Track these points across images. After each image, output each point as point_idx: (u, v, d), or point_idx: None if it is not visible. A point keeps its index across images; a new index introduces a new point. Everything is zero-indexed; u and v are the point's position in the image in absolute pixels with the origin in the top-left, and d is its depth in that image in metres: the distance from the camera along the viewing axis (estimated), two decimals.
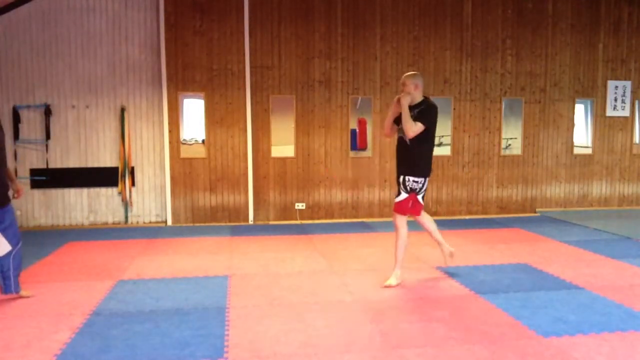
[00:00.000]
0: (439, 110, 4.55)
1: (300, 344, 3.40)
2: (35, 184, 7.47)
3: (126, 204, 7.71)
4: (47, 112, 7.38)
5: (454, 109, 8.25)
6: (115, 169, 7.63)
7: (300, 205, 8.01)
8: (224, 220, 7.86)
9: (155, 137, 7.73)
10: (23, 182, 7.27)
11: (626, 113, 8.83)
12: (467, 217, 8.35)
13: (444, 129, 8.12)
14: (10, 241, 4.16)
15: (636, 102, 8.88)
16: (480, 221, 7.98)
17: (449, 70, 8.21)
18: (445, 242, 4.96)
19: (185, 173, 7.72)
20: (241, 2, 7.60)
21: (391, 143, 8.13)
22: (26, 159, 7.43)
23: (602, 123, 8.80)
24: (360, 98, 8.39)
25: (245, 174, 7.82)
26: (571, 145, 8.73)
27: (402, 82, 4.52)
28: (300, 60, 7.83)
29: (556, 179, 8.72)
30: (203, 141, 7.91)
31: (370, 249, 6.08)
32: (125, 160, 7.58)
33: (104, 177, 7.63)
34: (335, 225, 7.68)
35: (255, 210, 7.92)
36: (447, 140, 8.44)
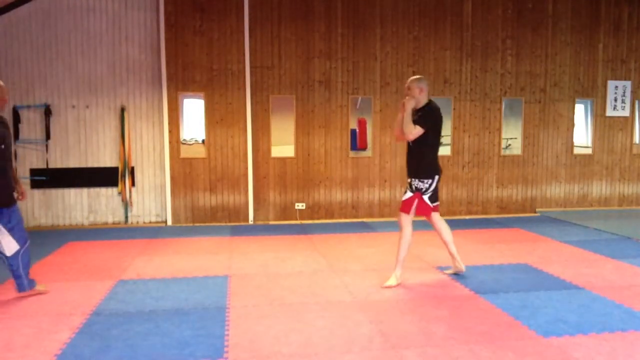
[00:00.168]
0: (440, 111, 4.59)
1: (300, 344, 3.40)
2: (35, 184, 7.47)
3: (126, 204, 7.71)
4: (47, 112, 7.38)
5: (454, 109, 8.25)
6: (115, 169, 7.64)
7: (300, 205, 8.01)
8: (224, 220, 7.86)
9: (155, 137, 7.73)
10: (23, 182, 7.26)
11: (626, 113, 8.83)
12: (467, 217, 8.35)
13: (444, 129, 8.07)
14: (18, 240, 4.20)
15: (636, 102, 8.88)
16: (480, 221, 7.98)
17: (449, 70, 8.21)
18: (459, 259, 4.90)
19: (185, 173, 7.72)
20: (241, 2, 7.60)
21: (391, 143, 8.14)
22: (26, 159, 7.44)
23: (602, 123, 8.81)
24: (360, 98, 8.39)
25: (245, 174, 7.83)
26: (571, 145, 8.73)
27: (407, 86, 4.58)
28: (300, 60, 7.83)
29: (556, 179, 8.72)
30: (203, 141, 7.91)
31: (370, 249, 6.07)
32: (125, 160, 7.58)
33: (104, 177, 7.63)
34: (335, 225, 7.68)
35: (255, 210, 7.92)
36: (447, 140, 8.44)
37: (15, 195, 4.35)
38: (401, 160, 8.20)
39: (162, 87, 7.54)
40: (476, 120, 8.37)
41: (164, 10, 7.44)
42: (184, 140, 8.22)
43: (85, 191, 7.65)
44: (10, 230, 4.16)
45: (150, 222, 7.82)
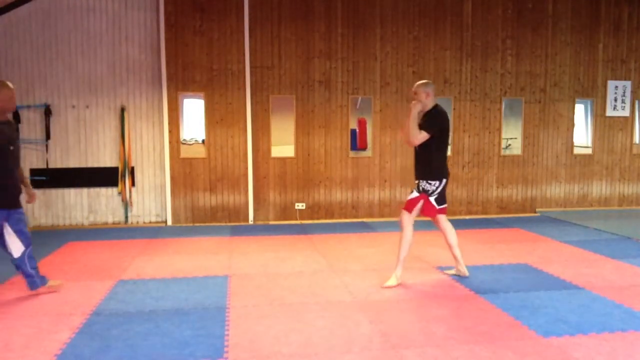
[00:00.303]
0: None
1: (300, 344, 3.40)
2: (35, 184, 7.45)
3: (126, 204, 7.71)
4: (47, 112, 7.38)
5: (454, 109, 8.25)
6: (115, 169, 7.64)
7: (300, 205, 8.01)
8: (224, 220, 7.86)
9: (155, 137, 7.73)
10: None
11: (626, 113, 8.83)
12: (467, 217, 8.35)
13: None
14: (23, 242, 4.24)
15: (636, 102, 8.89)
16: (480, 221, 7.98)
17: (449, 70, 8.21)
18: (462, 263, 4.89)
19: (185, 173, 7.72)
20: (241, 2, 7.60)
21: (391, 143, 8.14)
22: (26, 159, 7.42)
23: (602, 123, 8.81)
24: (360, 98, 8.39)
25: (245, 174, 7.83)
26: (571, 145, 8.73)
27: (413, 90, 4.61)
28: (300, 60, 7.83)
29: (556, 179, 8.72)
30: (203, 141, 7.91)
31: (370, 249, 6.07)
32: (125, 160, 7.58)
33: (104, 177, 7.63)
34: (335, 225, 7.68)
35: (255, 210, 7.92)
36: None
37: (26, 198, 4.41)
38: (401, 160, 8.21)
39: (162, 87, 7.54)
40: (476, 120, 8.37)
41: (164, 10, 7.44)
42: (184, 140, 8.22)
43: (85, 191, 7.65)
44: (17, 232, 4.19)
45: (150, 222, 7.82)
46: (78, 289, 4.58)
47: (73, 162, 7.56)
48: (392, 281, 4.59)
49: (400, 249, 4.63)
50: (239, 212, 7.88)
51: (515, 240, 6.52)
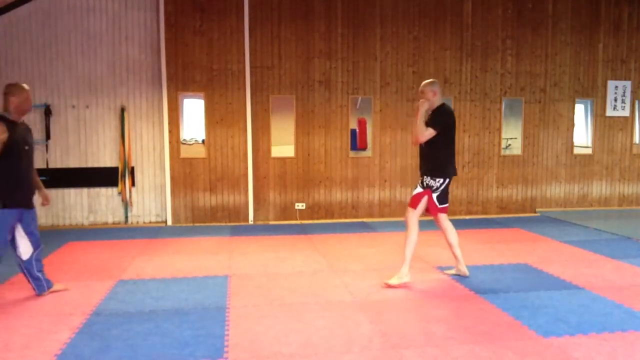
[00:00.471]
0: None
1: (300, 344, 3.40)
2: None
3: (126, 204, 7.71)
4: (47, 112, 7.38)
5: (454, 109, 8.24)
6: (115, 169, 7.64)
7: (300, 205, 8.01)
8: (224, 220, 7.86)
9: (155, 137, 7.73)
10: None
11: (626, 113, 8.83)
12: (467, 217, 8.35)
13: None
14: (32, 244, 4.25)
15: (636, 102, 8.89)
16: (480, 221, 7.98)
17: (449, 70, 8.21)
18: (463, 262, 4.89)
19: (185, 173, 7.72)
20: (241, 2, 7.60)
21: (391, 143, 8.14)
22: None
23: (602, 123, 8.81)
24: (360, 98, 8.39)
25: (245, 174, 7.82)
26: (571, 145, 8.73)
27: (420, 90, 4.65)
28: (300, 60, 7.83)
29: (556, 179, 8.72)
30: (203, 141, 7.91)
31: (370, 249, 6.07)
32: (125, 160, 7.58)
33: (104, 177, 7.63)
34: (335, 225, 7.67)
35: (255, 210, 7.92)
36: None
37: (40, 200, 4.43)
38: (401, 160, 8.21)
39: (162, 87, 7.54)
40: (476, 120, 8.37)
41: (164, 10, 7.44)
42: (184, 140, 8.22)
43: (85, 191, 7.65)
44: (29, 234, 4.21)
45: (150, 222, 7.82)
46: (78, 289, 4.58)
47: (73, 162, 7.56)
48: (394, 280, 4.58)
49: (405, 249, 4.61)
50: (239, 212, 7.88)
51: (515, 240, 6.52)
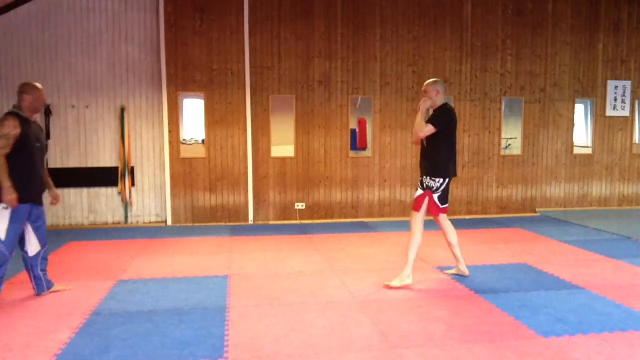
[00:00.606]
0: None
1: (300, 344, 3.40)
2: None
3: (126, 204, 7.71)
4: (47, 112, 7.39)
5: (454, 109, 8.22)
6: (115, 169, 7.64)
7: (300, 205, 8.01)
8: (224, 220, 7.86)
9: (155, 137, 7.73)
10: None
11: (626, 113, 8.83)
12: (467, 217, 8.35)
13: None
14: (40, 241, 4.28)
15: (636, 102, 8.89)
16: (480, 221, 7.98)
17: (449, 70, 8.21)
18: (463, 262, 4.89)
19: (185, 173, 7.72)
20: (241, 2, 7.60)
21: (391, 143, 8.14)
22: None
23: (602, 123, 8.81)
24: (360, 98, 8.39)
25: (245, 174, 7.83)
26: (571, 145, 8.73)
27: (424, 89, 4.66)
28: (300, 60, 7.83)
29: (556, 179, 8.72)
30: (203, 141, 7.91)
31: (370, 249, 6.07)
32: (125, 160, 7.58)
33: (104, 177, 7.63)
34: (335, 225, 7.67)
35: (255, 210, 7.92)
36: None
37: (50, 200, 4.50)
38: (401, 160, 8.21)
39: (162, 87, 7.54)
40: (476, 120, 8.37)
41: (164, 11, 7.44)
42: (184, 140, 8.22)
43: (85, 191, 7.65)
44: (36, 230, 4.24)
45: (150, 222, 7.82)
46: (78, 289, 4.58)
47: (73, 162, 7.56)
48: (395, 282, 4.57)
49: (409, 251, 4.59)
50: (239, 212, 7.88)
51: (515, 240, 6.52)
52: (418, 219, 4.60)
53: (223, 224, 7.82)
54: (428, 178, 4.59)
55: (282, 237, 6.86)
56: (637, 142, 9.20)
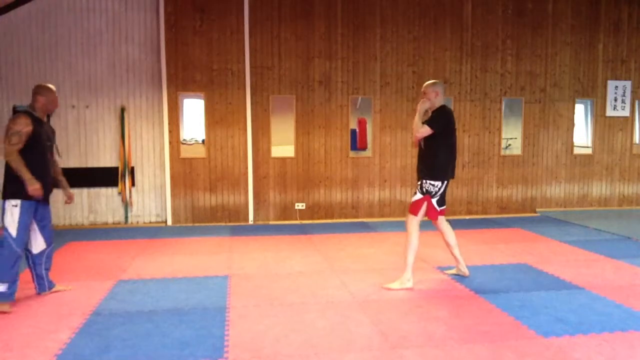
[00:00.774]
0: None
1: (300, 344, 3.40)
2: None
3: (126, 204, 7.71)
4: None
5: (454, 109, 8.24)
6: (115, 169, 7.64)
7: (300, 205, 8.01)
8: (224, 220, 7.86)
9: (155, 137, 7.73)
10: None
11: (626, 113, 8.83)
12: (467, 217, 8.35)
13: None
14: (45, 240, 4.31)
15: (636, 102, 8.89)
16: (480, 221, 7.98)
17: (449, 70, 8.21)
18: (463, 262, 4.89)
19: (185, 173, 7.72)
20: (241, 2, 7.60)
21: (391, 143, 8.15)
22: None
23: (602, 123, 8.81)
24: (360, 98, 8.39)
25: (245, 174, 7.83)
26: (571, 145, 8.73)
27: (423, 90, 4.64)
28: (300, 60, 7.83)
29: (556, 179, 8.72)
30: (203, 141, 7.91)
31: (370, 249, 6.07)
32: (125, 160, 7.58)
33: (104, 177, 7.63)
34: (335, 225, 7.67)
35: (255, 210, 7.92)
36: None
37: (64, 199, 4.53)
38: (401, 160, 8.21)
39: (162, 87, 7.54)
40: (476, 120, 8.37)
41: (164, 11, 7.44)
42: (184, 140, 8.22)
43: (85, 191, 7.65)
44: (42, 229, 4.26)
45: (150, 222, 7.82)
46: (78, 289, 4.58)
47: (73, 162, 7.56)
48: (395, 284, 4.56)
49: (406, 255, 4.57)
50: (239, 212, 7.88)
51: (515, 240, 6.52)
52: (415, 222, 4.57)
53: (223, 224, 7.82)
54: (427, 182, 4.55)
55: (282, 237, 6.86)
56: (637, 142, 9.20)
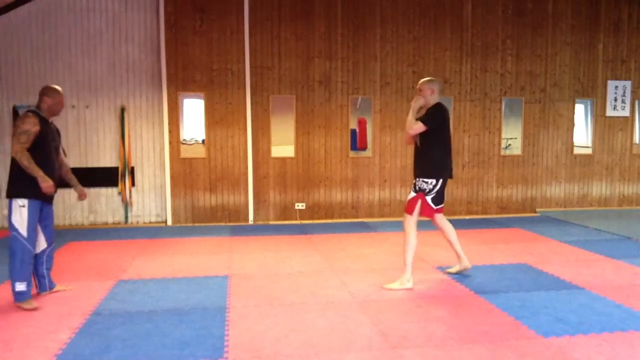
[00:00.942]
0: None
1: (300, 344, 3.40)
2: None
3: (126, 204, 7.71)
4: None
5: (454, 109, 8.24)
6: (115, 169, 7.64)
7: (300, 205, 8.01)
8: (224, 220, 7.86)
9: (155, 137, 7.73)
10: None
11: (626, 113, 8.83)
12: (467, 217, 8.35)
13: None
14: (47, 239, 4.33)
15: (636, 102, 8.89)
16: (480, 221, 7.98)
17: (449, 70, 8.21)
18: (465, 257, 4.89)
19: (185, 173, 7.72)
20: (241, 2, 7.60)
21: (391, 143, 8.14)
22: None
23: (602, 123, 8.81)
24: (360, 98, 8.39)
25: (245, 174, 7.83)
26: (571, 145, 8.73)
27: (418, 87, 4.62)
28: (300, 60, 7.83)
29: (556, 179, 8.72)
30: (203, 141, 7.91)
31: (370, 249, 6.07)
32: (125, 160, 7.58)
33: (104, 177, 7.63)
34: (335, 225, 7.67)
35: (255, 210, 7.92)
36: None
37: (77, 196, 4.64)
38: (401, 160, 8.21)
39: (162, 87, 7.54)
40: (476, 120, 8.37)
41: (164, 11, 7.44)
42: (184, 140, 8.22)
43: (85, 191, 7.62)
44: (43, 229, 4.28)
45: (150, 222, 7.82)
46: (78, 289, 4.58)
47: (73, 162, 7.54)
48: (395, 284, 4.55)
49: (406, 255, 4.56)
50: (239, 212, 7.88)
51: (515, 240, 6.52)
52: (411, 221, 4.56)
53: (223, 224, 7.82)
54: (420, 180, 4.55)
55: (282, 237, 6.86)
56: (637, 142, 9.20)
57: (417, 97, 4.58)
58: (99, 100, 7.56)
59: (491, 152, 8.46)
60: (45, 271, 4.37)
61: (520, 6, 8.30)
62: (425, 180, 4.52)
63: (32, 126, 4.04)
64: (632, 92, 8.79)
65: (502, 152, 8.57)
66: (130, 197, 7.69)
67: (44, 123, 4.17)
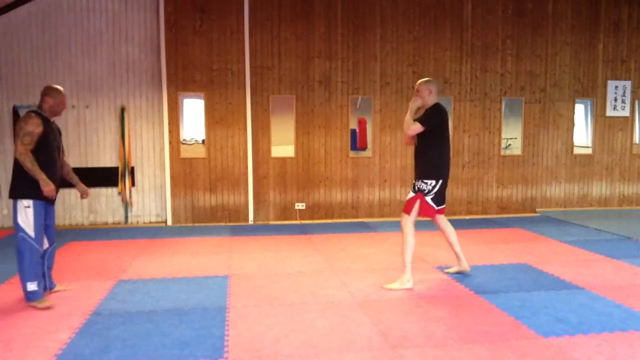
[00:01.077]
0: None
1: (300, 344, 3.40)
2: None
3: (126, 204, 7.71)
4: None
5: (454, 109, 8.25)
6: (115, 169, 7.64)
7: (300, 205, 8.01)
8: (224, 220, 7.86)
9: (155, 137, 7.73)
10: None
11: (626, 113, 8.83)
12: (467, 217, 8.35)
13: None
14: (48, 239, 4.34)
15: (636, 102, 8.89)
16: (480, 221, 7.98)
17: (449, 70, 8.21)
18: (464, 259, 4.90)
19: (185, 173, 7.72)
20: (241, 2, 7.60)
21: (391, 143, 8.15)
22: None
23: (602, 123, 8.81)
24: (360, 98, 8.40)
25: (245, 174, 7.83)
26: (571, 145, 8.73)
27: (416, 88, 4.61)
28: (300, 60, 7.83)
29: (556, 179, 8.72)
30: (203, 141, 7.91)
31: (370, 249, 6.07)
32: (125, 160, 7.58)
33: (104, 177, 7.63)
34: (335, 225, 7.67)
35: (255, 210, 7.92)
36: None
37: (80, 194, 4.65)
38: (401, 160, 8.21)
39: (162, 87, 7.54)
40: (476, 120, 8.37)
41: (164, 11, 7.44)
42: (184, 140, 8.22)
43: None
44: (45, 228, 4.28)
45: (150, 222, 7.82)
46: (78, 289, 4.58)
47: (73, 162, 7.54)
48: (395, 284, 4.55)
49: (405, 255, 4.56)
50: (239, 212, 7.88)
51: (515, 240, 6.52)
52: (409, 221, 4.55)
53: (223, 224, 7.82)
54: (419, 181, 4.55)
55: (282, 237, 6.86)
56: (637, 142, 9.20)
57: (414, 97, 4.58)
58: (99, 100, 7.56)
59: (491, 152, 8.46)
60: (46, 270, 4.37)
61: (520, 6, 8.30)
62: (425, 181, 4.52)
63: (35, 127, 4.05)
64: (632, 92, 8.79)
65: (502, 152, 8.57)
66: (130, 197, 7.69)
67: (46, 123, 4.19)
